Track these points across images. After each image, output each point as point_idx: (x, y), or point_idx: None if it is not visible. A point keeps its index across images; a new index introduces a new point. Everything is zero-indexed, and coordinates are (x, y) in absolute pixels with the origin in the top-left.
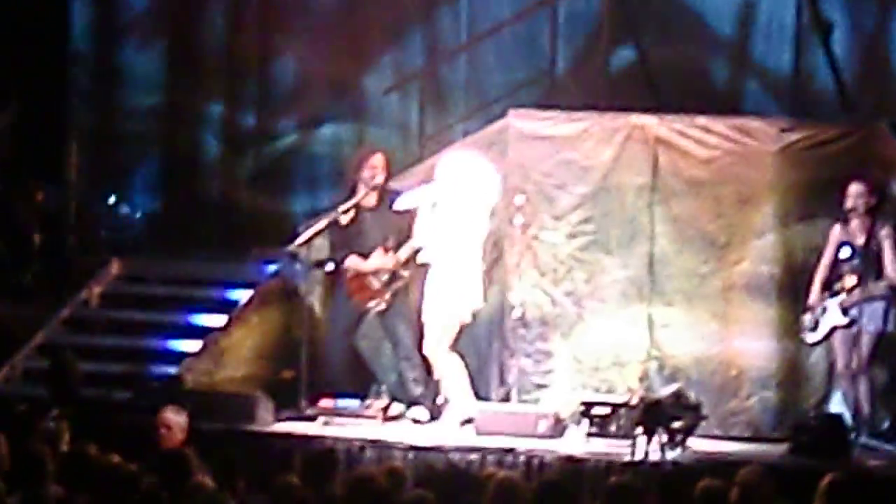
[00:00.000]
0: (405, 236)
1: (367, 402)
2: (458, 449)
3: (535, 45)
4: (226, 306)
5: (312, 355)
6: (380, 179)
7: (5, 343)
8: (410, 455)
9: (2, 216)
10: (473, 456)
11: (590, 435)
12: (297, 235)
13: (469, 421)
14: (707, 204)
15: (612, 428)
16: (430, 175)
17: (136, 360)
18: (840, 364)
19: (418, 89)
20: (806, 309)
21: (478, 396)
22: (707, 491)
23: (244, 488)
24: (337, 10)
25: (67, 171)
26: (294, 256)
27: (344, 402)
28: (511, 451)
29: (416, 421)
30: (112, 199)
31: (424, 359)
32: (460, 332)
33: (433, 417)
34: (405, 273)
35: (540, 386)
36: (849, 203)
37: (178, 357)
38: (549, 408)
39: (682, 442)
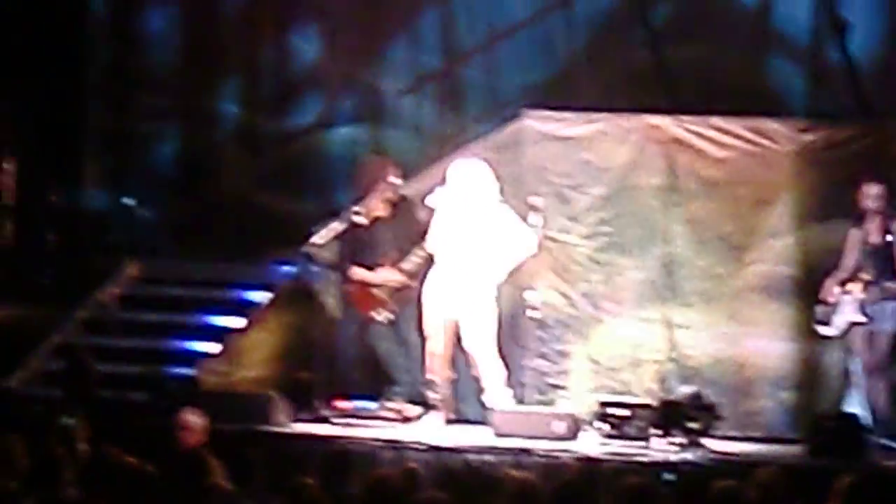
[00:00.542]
0: (413, 247)
1: (384, 402)
2: (475, 450)
3: (550, 45)
4: (243, 307)
5: (329, 356)
6: (396, 194)
7: (22, 344)
8: (427, 456)
9: (18, 217)
10: (490, 457)
11: (607, 436)
12: (313, 236)
13: (453, 422)
14: (724, 205)
15: (629, 429)
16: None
17: (153, 362)
18: (859, 365)
19: (434, 90)
20: (819, 301)
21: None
22: (723, 492)
23: (260, 489)
24: (353, 11)
25: (83, 172)
26: (310, 257)
27: (360, 403)
28: (528, 451)
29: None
30: (128, 200)
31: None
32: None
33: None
34: (412, 283)
35: (556, 387)
36: (866, 203)
37: (195, 358)
38: (565, 409)
39: (699, 443)
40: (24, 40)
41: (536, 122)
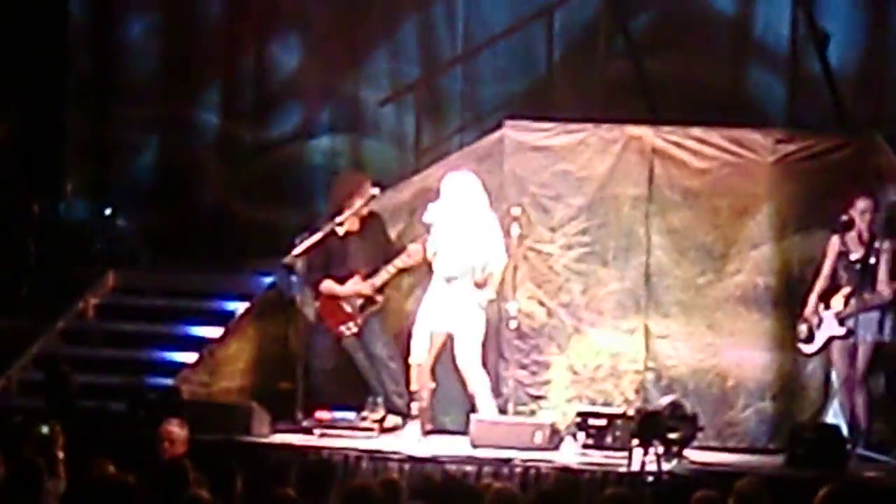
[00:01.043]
0: (383, 262)
1: (363, 413)
2: (454, 460)
3: (530, 55)
4: (222, 318)
5: (308, 367)
6: (368, 208)
7: (1, 354)
8: (407, 466)
9: None
10: (470, 467)
11: (586, 446)
12: (293, 247)
13: (429, 433)
14: (703, 215)
15: (609, 439)
16: (425, 186)
17: (133, 372)
18: (838, 375)
19: (414, 100)
20: (801, 319)
21: (474, 408)
22: (703, 502)
23: (240, 500)
24: (334, 22)
25: (64, 183)
26: (290, 268)
27: (340, 414)
28: (507, 462)
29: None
30: (108, 211)
31: (407, 371)
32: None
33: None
34: (379, 298)
35: (536, 397)
36: (854, 217)
37: (175, 368)
38: (545, 419)
39: (679, 453)
40: (4, 49)
41: (516, 133)
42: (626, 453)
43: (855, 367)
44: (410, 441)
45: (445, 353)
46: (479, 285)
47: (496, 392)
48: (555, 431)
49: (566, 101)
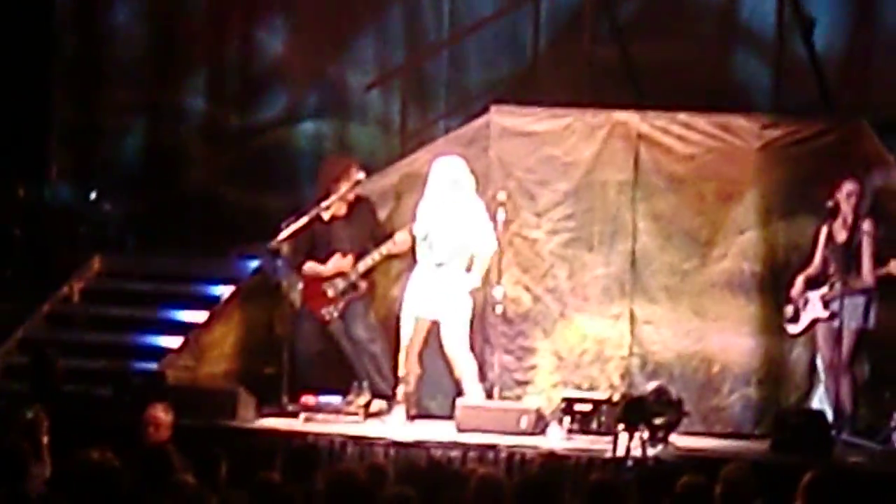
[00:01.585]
0: (368, 247)
1: (349, 398)
2: (439, 445)
3: (516, 40)
4: (207, 302)
5: (294, 351)
6: (355, 193)
7: None
8: (392, 451)
9: None
10: (455, 452)
11: (571, 431)
12: (278, 231)
13: (415, 418)
14: (689, 200)
15: (594, 424)
16: (411, 171)
17: (118, 357)
18: (823, 360)
19: (400, 85)
20: (788, 300)
21: (460, 393)
22: (688, 487)
23: (225, 484)
24: (320, 7)
25: (49, 167)
26: (275, 252)
27: (326, 399)
28: (493, 447)
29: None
30: (93, 195)
31: (394, 355)
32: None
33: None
34: (363, 284)
35: (522, 382)
36: (840, 200)
37: (160, 353)
38: (530, 404)
39: (664, 438)
40: None
41: (502, 118)
42: (611, 438)
43: (839, 353)
44: (396, 426)
45: (432, 338)
46: (469, 270)
47: (482, 377)
48: (540, 416)
49: (552, 86)
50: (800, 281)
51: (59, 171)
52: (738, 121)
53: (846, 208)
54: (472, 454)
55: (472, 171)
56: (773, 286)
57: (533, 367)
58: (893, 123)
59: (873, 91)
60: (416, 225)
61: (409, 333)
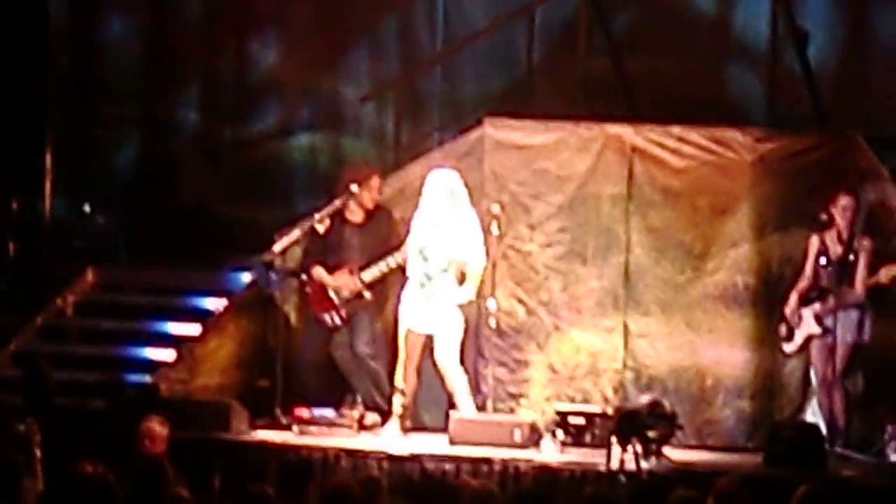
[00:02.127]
0: (380, 256)
1: (343, 411)
2: (433, 458)
3: (510, 54)
4: (201, 315)
5: (287, 364)
6: (374, 202)
7: None
8: (386, 464)
9: None
10: (449, 465)
11: (565, 444)
12: (272, 244)
13: (409, 431)
14: (683, 214)
15: (588, 438)
16: (405, 184)
17: (111, 369)
18: (816, 374)
19: (394, 98)
20: (781, 319)
21: (453, 406)
22: (682, 500)
23: (219, 497)
24: (314, 20)
25: (42, 180)
26: (269, 265)
27: (319, 412)
28: (486, 460)
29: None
30: (87, 208)
31: (391, 368)
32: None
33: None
34: (367, 294)
35: (515, 395)
36: (835, 214)
37: (153, 366)
38: (524, 417)
39: (658, 452)
40: None
41: (496, 131)
42: (605, 452)
43: (833, 366)
44: (390, 439)
45: (427, 351)
46: (462, 283)
47: (475, 390)
48: (534, 429)
49: (546, 99)
50: (793, 298)
51: (53, 184)
52: (733, 134)
53: (841, 222)
54: (465, 467)
55: (466, 184)
56: (766, 299)
57: (526, 380)
58: (887, 137)
59: (867, 104)
60: (409, 238)
61: (404, 347)
